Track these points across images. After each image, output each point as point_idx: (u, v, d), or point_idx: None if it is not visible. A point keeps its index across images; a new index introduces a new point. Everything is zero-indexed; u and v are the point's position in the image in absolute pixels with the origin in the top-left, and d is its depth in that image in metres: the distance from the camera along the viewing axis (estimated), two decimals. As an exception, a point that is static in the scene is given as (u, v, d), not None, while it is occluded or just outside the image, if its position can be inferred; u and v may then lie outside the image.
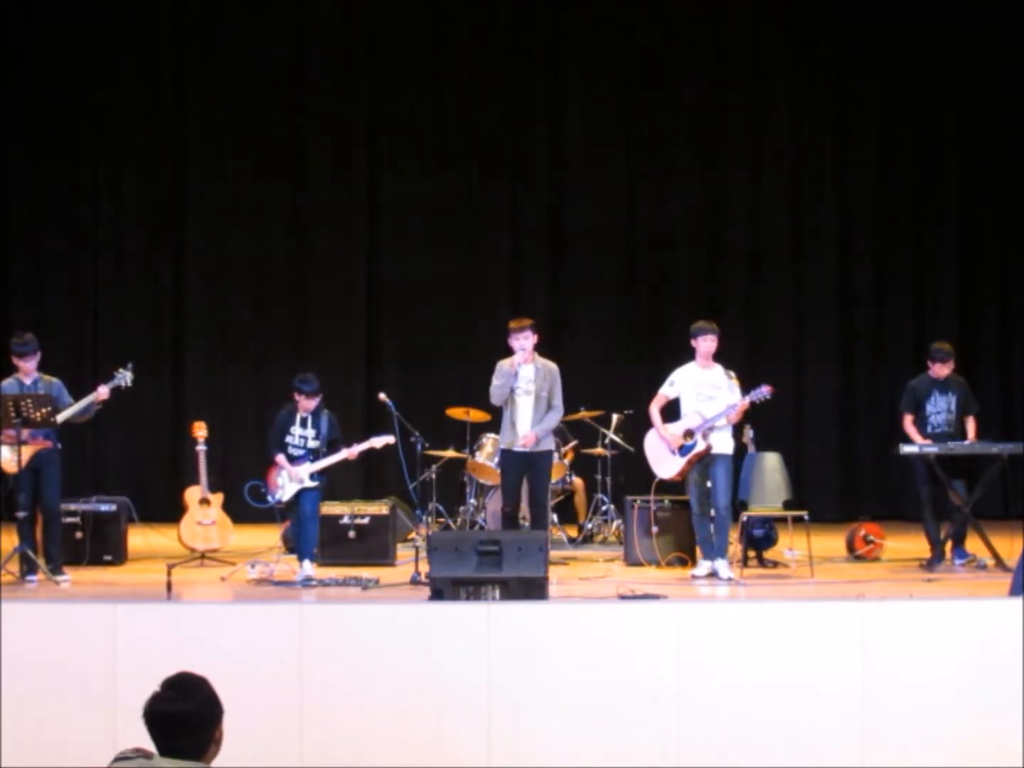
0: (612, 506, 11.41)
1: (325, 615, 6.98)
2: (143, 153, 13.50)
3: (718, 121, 13.71)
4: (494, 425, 10.21)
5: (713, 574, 9.25)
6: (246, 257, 13.60)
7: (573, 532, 11.43)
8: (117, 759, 3.73)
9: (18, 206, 13.44)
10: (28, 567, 8.99)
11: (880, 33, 13.66)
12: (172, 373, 13.49)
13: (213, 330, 13.58)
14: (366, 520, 10.09)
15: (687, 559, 9.91)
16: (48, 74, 13.27)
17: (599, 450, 11.50)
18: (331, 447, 9.33)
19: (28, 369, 9.19)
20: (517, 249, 13.76)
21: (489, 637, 6.69)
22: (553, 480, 10.66)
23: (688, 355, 9.58)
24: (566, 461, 11.21)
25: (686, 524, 9.84)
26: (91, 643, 6.70)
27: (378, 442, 9.49)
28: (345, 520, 10.06)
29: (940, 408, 10.05)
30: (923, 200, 13.79)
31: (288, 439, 9.32)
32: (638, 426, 10.50)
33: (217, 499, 10.53)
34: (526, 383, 9.44)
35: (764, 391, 9.24)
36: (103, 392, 9.30)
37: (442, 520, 11.44)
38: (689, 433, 9.34)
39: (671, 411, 9.59)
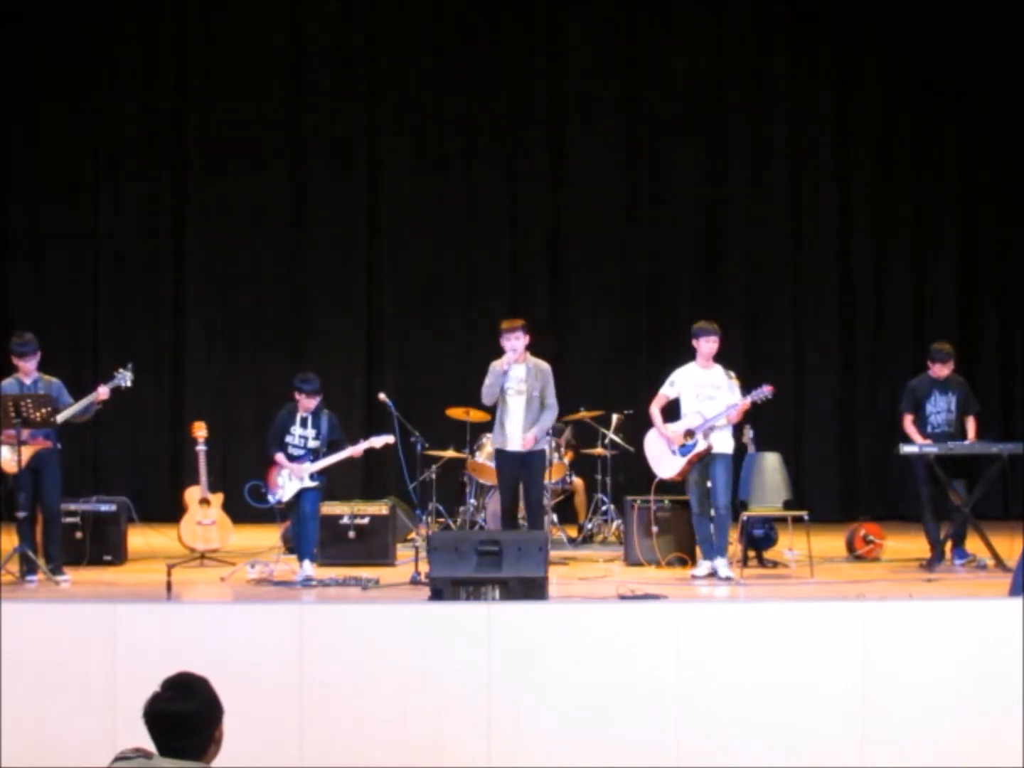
0: (612, 506, 11.40)
1: (325, 615, 6.98)
2: (143, 153, 13.49)
3: (718, 121, 13.71)
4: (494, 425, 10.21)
5: (713, 574, 9.26)
6: (246, 257, 13.60)
7: (573, 532, 11.42)
8: (117, 759, 3.73)
9: (18, 206, 13.43)
10: (28, 567, 8.98)
11: (880, 33, 13.68)
12: (172, 373, 13.47)
13: (213, 330, 13.57)
14: (366, 520, 10.09)
15: (687, 559, 9.90)
16: (48, 74, 13.26)
17: (599, 450, 11.49)
18: (332, 447, 9.31)
19: (28, 369, 9.18)
20: (517, 249, 13.76)
21: (489, 637, 6.69)
22: (553, 480, 10.68)
23: (688, 355, 9.58)
24: (566, 461, 11.21)
25: (686, 524, 9.84)
26: (91, 643, 6.70)
27: (378, 442, 9.47)
28: (345, 520, 10.05)
29: (940, 408, 10.05)
30: (923, 200, 13.79)
31: (288, 439, 9.30)
32: (638, 426, 10.50)
33: (217, 499, 10.53)
34: (517, 383, 9.43)
35: (765, 390, 9.24)
36: (103, 392, 9.29)
37: (442, 520, 11.44)
38: (690, 433, 9.34)
39: (671, 411, 9.59)
